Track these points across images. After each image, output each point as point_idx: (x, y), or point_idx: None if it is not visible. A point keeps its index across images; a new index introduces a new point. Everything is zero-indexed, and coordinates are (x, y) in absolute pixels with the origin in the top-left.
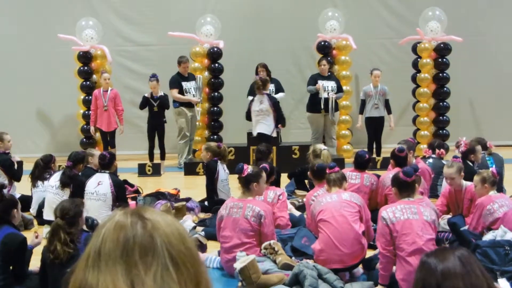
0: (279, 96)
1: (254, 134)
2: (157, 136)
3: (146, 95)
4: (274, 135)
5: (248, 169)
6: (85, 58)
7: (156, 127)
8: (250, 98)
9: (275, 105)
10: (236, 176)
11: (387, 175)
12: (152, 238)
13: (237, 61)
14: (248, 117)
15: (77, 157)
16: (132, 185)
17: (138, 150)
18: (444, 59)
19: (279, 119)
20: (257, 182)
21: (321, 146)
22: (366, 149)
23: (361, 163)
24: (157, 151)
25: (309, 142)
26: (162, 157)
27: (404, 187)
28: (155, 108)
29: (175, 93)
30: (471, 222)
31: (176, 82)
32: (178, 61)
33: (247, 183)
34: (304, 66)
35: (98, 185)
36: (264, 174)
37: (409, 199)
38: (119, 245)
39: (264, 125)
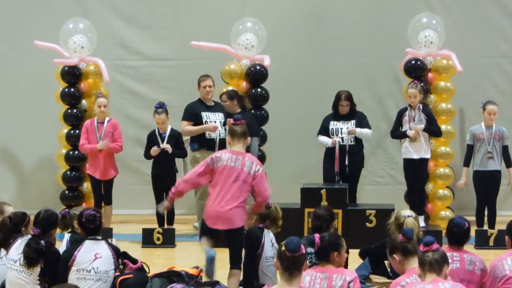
0: (365, 134)
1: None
2: (165, 193)
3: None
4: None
5: (318, 238)
6: (72, 75)
7: (163, 179)
8: (321, 138)
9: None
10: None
11: (503, 259)
12: None
13: (287, 85)
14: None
15: (48, 220)
16: (134, 261)
17: (142, 208)
18: None
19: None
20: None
21: (406, 212)
22: (468, 216)
23: (459, 236)
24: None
25: (392, 205)
26: (170, 221)
27: None
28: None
29: (185, 126)
30: None
31: (191, 111)
32: (198, 81)
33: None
34: (385, 94)
35: (96, 260)
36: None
37: None
38: None
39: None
